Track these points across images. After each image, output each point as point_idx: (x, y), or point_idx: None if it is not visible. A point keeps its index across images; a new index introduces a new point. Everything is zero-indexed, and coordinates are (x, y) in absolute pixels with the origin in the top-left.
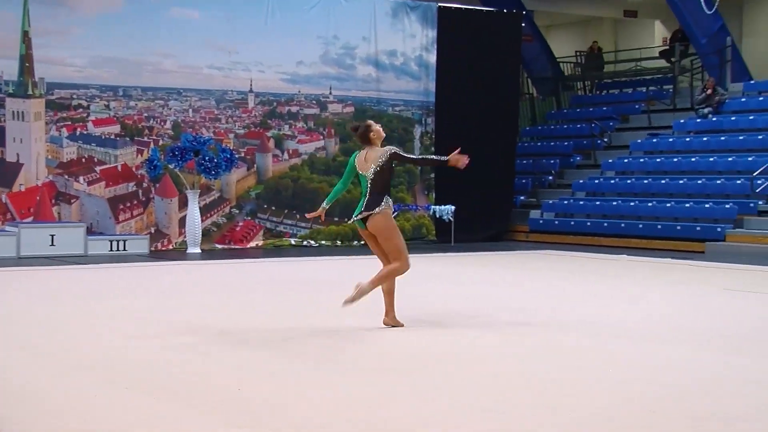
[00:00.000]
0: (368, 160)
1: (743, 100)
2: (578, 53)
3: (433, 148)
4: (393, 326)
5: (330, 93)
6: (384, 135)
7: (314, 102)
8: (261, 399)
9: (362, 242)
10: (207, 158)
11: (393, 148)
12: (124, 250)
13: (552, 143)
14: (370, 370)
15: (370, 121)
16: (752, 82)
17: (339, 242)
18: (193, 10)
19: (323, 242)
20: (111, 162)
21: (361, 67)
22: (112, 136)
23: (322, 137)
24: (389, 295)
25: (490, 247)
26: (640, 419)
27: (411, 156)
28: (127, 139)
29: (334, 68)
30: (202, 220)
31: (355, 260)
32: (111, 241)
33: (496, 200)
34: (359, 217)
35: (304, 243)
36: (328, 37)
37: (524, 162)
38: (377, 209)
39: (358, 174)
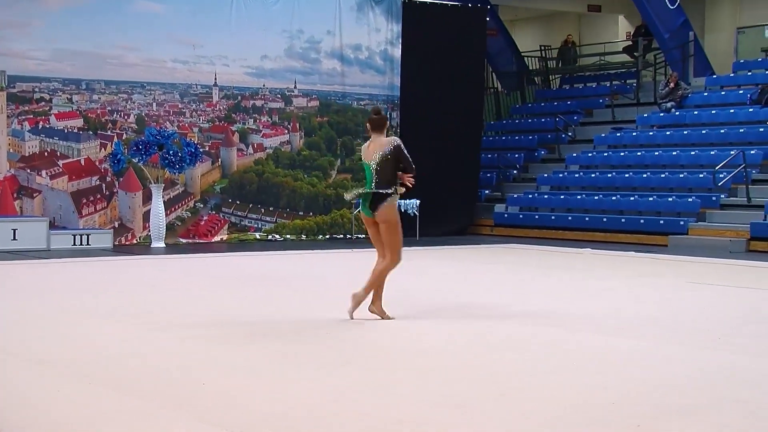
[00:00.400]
0: (372, 150)
1: (705, 94)
2: (543, 47)
3: None
4: (380, 317)
5: (295, 87)
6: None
7: (279, 96)
8: (228, 394)
9: (327, 237)
10: (171, 152)
11: (397, 140)
12: (88, 244)
13: (516, 137)
14: (340, 365)
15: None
16: (714, 76)
17: (304, 236)
18: (158, 4)
19: (288, 236)
20: (74, 156)
21: (326, 61)
22: (75, 130)
23: (286, 131)
24: (379, 285)
25: (455, 241)
26: (607, 412)
27: (407, 157)
28: (90, 132)
29: (298, 62)
30: (167, 215)
31: (320, 254)
32: (74, 236)
33: (461, 194)
34: (373, 210)
35: (269, 237)
36: (292, 31)
37: (489, 156)
38: (386, 201)
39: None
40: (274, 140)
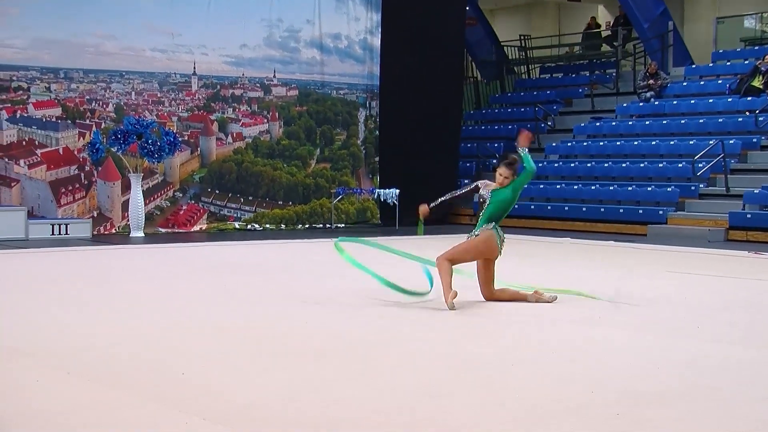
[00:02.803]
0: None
1: (684, 84)
2: (523, 37)
3: (377, 132)
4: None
5: (274, 76)
6: (502, 182)
7: (258, 85)
8: (207, 384)
9: (306, 226)
10: (150, 141)
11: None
12: (66, 234)
13: (496, 127)
14: (319, 355)
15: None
16: (693, 66)
17: (283, 226)
18: None
19: (267, 226)
20: (52, 145)
21: (305, 51)
22: (54, 119)
23: (266, 120)
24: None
25: (435, 230)
26: (586, 400)
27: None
28: (69, 121)
29: (278, 51)
30: (145, 204)
31: (299, 243)
32: (53, 225)
33: (441, 183)
34: None
35: (249, 227)
36: (272, 20)
37: (468, 145)
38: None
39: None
40: (253, 129)
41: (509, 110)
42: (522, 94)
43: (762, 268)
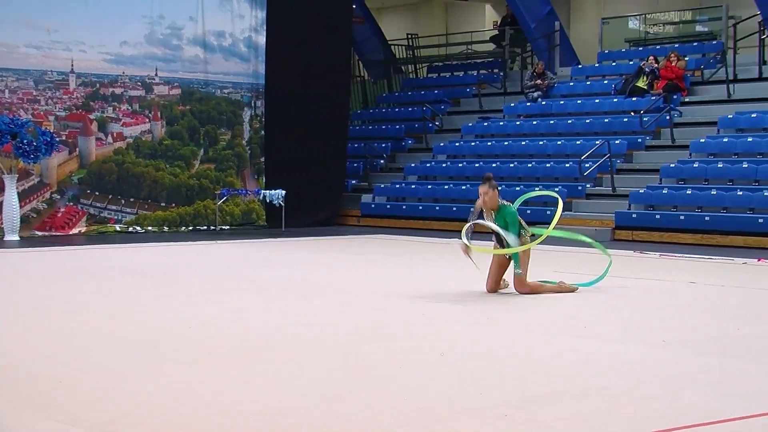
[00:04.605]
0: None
1: (571, 84)
2: (410, 36)
3: (262, 132)
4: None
5: (156, 74)
6: (485, 200)
7: (139, 84)
8: (86, 391)
9: (190, 228)
10: (25, 141)
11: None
12: None
13: (383, 126)
14: (210, 360)
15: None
16: (580, 66)
17: (166, 228)
18: None
19: (150, 228)
20: None
21: (188, 48)
22: None
23: (147, 120)
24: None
25: (322, 231)
26: (474, 401)
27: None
28: None
29: (159, 49)
30: (21, 206)
31: (183, 246)
32: None
33: (328, 184)
34: None
35: (130, 229)
36: (153, 17)
37: (355, 145)
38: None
39: None
40: (134, 129)
41: (397, 110)
42: (410, 93)
43: (647, 268)
